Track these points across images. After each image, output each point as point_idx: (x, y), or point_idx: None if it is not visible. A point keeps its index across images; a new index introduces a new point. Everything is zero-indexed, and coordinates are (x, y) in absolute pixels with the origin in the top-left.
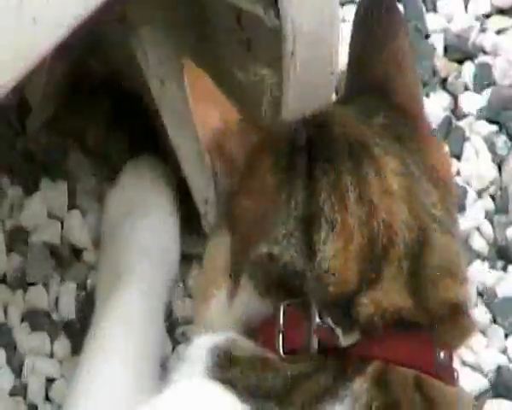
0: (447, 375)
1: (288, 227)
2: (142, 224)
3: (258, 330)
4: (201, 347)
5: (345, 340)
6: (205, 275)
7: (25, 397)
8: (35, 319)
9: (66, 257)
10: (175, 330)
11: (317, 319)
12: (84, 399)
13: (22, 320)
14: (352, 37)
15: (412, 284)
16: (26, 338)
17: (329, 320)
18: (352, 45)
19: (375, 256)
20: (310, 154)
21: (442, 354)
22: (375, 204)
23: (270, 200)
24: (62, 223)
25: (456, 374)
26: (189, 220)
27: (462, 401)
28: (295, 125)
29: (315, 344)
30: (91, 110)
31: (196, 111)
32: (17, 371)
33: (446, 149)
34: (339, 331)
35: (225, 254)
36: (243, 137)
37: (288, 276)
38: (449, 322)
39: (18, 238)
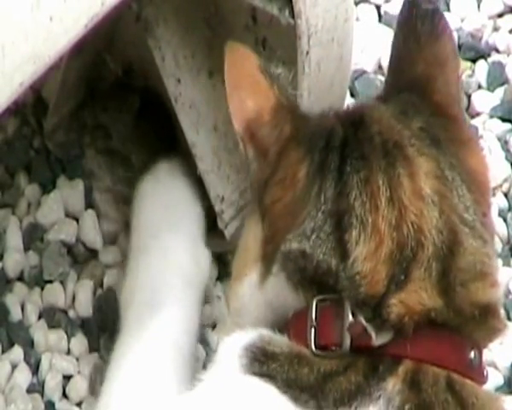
0: (478, 374)
1: (316, 221)
2: (175, 244)
3: (289, 323)
4: (234, 345)
5: (377, 339)
6: (238, 256)
7: (42, 394)
8: (52, 316)
9: (82, 255)
10: None
11: (350, 317)
12: None
13: (39, 318)
14: (396, 35)
15: (442, 285)
16: (43, 336)
17: (362, 319)
18: (394, 43)
19: (405, 259)
20: (344, 152)
21: (473, 354)
22: (405, 206)
23: (300, 191)
24: (78, 221)
25: (485, 372)
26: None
27: (493, 402)
28: (332, 122)
29: (347, 342)
30: (118, 109)
31: (231, 99)
32: (34, 368)
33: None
34: (371, 330)
35: (256, 239)
36: (276, 127)
37: (321, 274)
38: (479, 322)
39: (35, 236)
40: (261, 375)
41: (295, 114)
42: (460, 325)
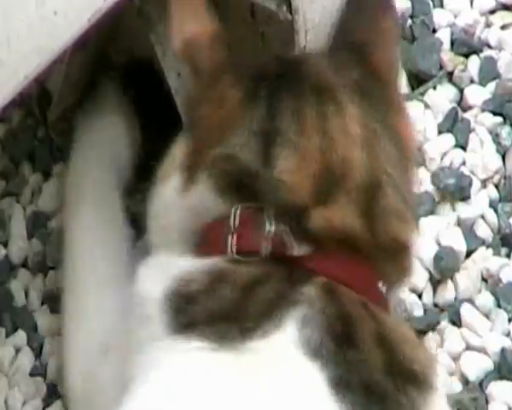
0: (384, 306)
1: (244, 137)
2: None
3: (209, 229)
4: (153, 300)
5: (296, 250)
6: (164, 163)
7: (44, 377)
8: (55, 301)
9: None
10: None
11: (270, 226)
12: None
13: (42, 303)
14: (344, 9)
15: (365, 213)
16: (46, 320)
17: (283, 227)
18: (342, 16)
19: (330, 182)
20: (277, 83)
21: (380, 284)
22: (334, 139)
23: (229, 112)
24: None
25: (393, 308)
26: None
27: (401, 323)
28: (269, 58)
29: (267, 248)
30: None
31: (174, 18)
32: (37, 351)
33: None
34: (291, 240)
35: (182, 150)
36: (213, 51)
37: (244, 176)
38: (392, 257)
39: (38, 223)
40: (185, 326)
41: (231, 47)
42: (375, 256)
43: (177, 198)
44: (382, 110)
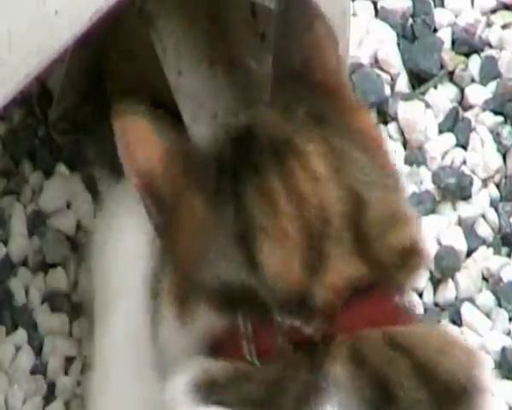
0: (407, 317)
1: (222, 246)
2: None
3: (222, 345)
4: (178, 383)
5: (309, 328)
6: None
7: (45, 375)
8: (55, 300)
9: (81, 240)
10: None
11: (280, 322)
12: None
13: (42, 302)
14: (275, 31)
15: (358, 247)
16: (46, 319)
17: (292, 319)
18: (275, 40)
19: (314, 242)
20: (235, 170)
21: (398, 298)
22: (303, 194)
23: (200, 224)
24: (80, 207)
25: (414, 307)
26: None
27: (432, 334)
28: (219, 145)
29: (282, 345)
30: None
31: (125, 158)
32: (37, 350)
33: (371, 113)
34: (303, 326)
35: (169, 279)
36: (168, 173)
37: (239, 292)
38: (401, 266)
39: (39, 222)
40: (213, 403)
41: (185, 156)
42: (383, 277)
43: (177, 335)
44: (339, 122)
